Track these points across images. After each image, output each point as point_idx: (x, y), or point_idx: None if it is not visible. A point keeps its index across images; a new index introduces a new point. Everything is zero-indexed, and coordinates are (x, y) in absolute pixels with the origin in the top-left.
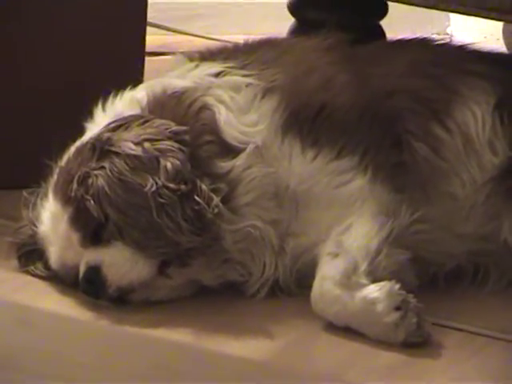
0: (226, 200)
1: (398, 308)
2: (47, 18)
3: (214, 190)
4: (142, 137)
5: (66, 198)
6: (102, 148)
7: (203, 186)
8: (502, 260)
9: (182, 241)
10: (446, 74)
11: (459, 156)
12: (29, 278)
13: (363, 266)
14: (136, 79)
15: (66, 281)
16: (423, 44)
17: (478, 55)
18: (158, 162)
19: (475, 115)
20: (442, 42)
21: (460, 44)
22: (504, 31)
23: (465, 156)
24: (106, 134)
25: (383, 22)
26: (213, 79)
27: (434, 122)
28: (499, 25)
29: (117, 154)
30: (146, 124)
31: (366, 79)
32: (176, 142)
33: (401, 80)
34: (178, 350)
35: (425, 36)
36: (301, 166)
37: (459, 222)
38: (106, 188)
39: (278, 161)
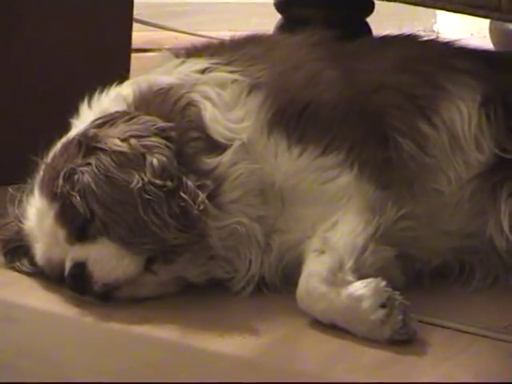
0: (211, 197)
1: (383, 305)
2: (33, 16)
3: (200, 187)
4: (128, 133)
5: (51, 195)
6: (87, 144)
7: (189, 183)
8: (487, 257)
9: (167, 237)
10: (432, 71)
11: (445, 153)
12: (15, 274)
13: (349, 263)
14: (122, 76)
15: (52, 277)
16: (409, 40)
17: (464, 52)
18: (144, 158)
19: (461, 112)
20: (429, 38)
21: (446, 41)
22: (491, 29)
23: (451, 153)
24: (92, 131)
25: (370, 19)
26: (199, 76)
27: (420, 118)
28: (486, 22)
29: (103, 150)
30: (132, 120)
31: (352, 75)
32: (162, 138)
33: (387, 76)
34: (163, 346)
35: (411, 32)
36: (287, 163)
37: (445, 218)
38: (92, 184)
39: (263, 157)
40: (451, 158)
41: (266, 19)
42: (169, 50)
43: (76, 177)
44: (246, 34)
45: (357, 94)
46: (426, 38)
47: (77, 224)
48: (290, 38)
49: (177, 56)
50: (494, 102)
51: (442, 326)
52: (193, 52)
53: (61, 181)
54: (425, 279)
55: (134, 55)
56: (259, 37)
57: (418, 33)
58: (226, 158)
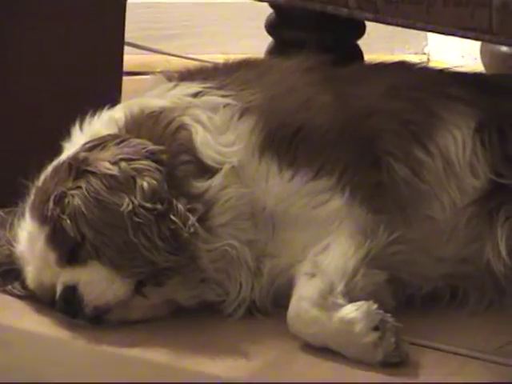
0: (202, 220)
1: (376, 328)
2: (24, 39)
3: (191, 210)
4: (119, 156)
5: (42, 218)
6: (78, 168)
7: (179, 206)
8: (482, 282)
9: (158, 260)
10: (426, 98)
11: (439, 179)
12: (6, 297)
13: (340, 287)
14: (114, 99)
15: (43, 300)
16: (403, 67)
17: (457, 79)
18: (135, 181)
19: (456, 139)
20: (422, 65)
21: (440, 68)
22: (482, 51)
23: (445, 179)
24: (83, 154)
25: (361, 42)
26: (191, 99)
27: (415, 144)
28: (477, 44)
29: (93, 173)
30: (123, 143)
31: (345, 100)
32: (153, 161)
33: (381, 102)
34: (154, 369)
35: (404, 59)
36: (278, 187)
37: (439, 244)
38: (83, 208)
39: (254, 181)
40: (446, 185)
41: (257, 42)
42: (161, 73)
43: (66, 200)
44: (239, 58)
45: (350, 118)
46: (419, 66)
47: (67, 247)
48: (283, 63)
49: (169, 79)
50: (489, 128)
51: (435, 348)
52: (185, 75)
53: (51, 204)
54: (416, 303)
55: (125, 78)
56: (252, 61)
57: (409, 57)
58: (216, 181)
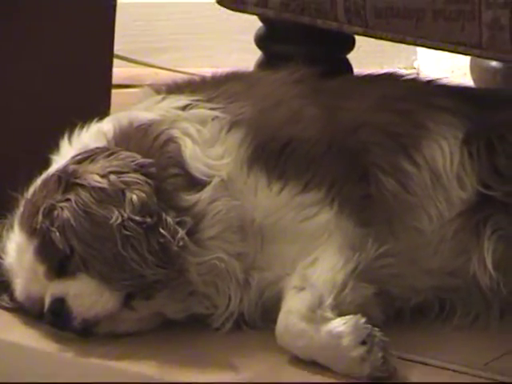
0: (191, 233)
1: (363, 342)
2: (13, 51)
3: (180, 223)
4: (108, 169)
5: (31, 230)
6: (67, 180)
7: (168, 219)
8: (469, 295)
9: (147, 273)
10: (413, 109)
11: (427, 191)
12: None
13: (329, 300)
14: (102, 111)
15: (31, 312)
16: (391, 79)
17: (445, 90)
18: (124, 194)
19: (443, 150)
20: (410, 76)
21: (428, 79)
22: (471, 66)
23: (432, 191)
24: (72, 167)
25: (350, 56)
26: (179, 112)
27: (402, 156)
28: (466, 59)
29: (82, 186)
30: (112, 156)
31: (333, 113)
32: (142, 174)
33: (368, 114)
34: (143, 382)
35: (393, 71)
36: (266, 200)
37: (426, 256)
38: (72, 220)
39: (243, 194)
40: (433, 196)
41: (246, 55)
42: (149, 86)
43: (55, 213)
44: (227, 71)
45: (338, 131)
46: (407, 77)
47: (56, 260)
48: (272, 75)
49: (158, 92)
50: (477, 140)
51: (422, 363)
52: (174, 88)
53: (40, 216)
54: (404, 316)
55: (114, 91)
56: (241, 74)
57: (398, 70)
58: (205, 194)
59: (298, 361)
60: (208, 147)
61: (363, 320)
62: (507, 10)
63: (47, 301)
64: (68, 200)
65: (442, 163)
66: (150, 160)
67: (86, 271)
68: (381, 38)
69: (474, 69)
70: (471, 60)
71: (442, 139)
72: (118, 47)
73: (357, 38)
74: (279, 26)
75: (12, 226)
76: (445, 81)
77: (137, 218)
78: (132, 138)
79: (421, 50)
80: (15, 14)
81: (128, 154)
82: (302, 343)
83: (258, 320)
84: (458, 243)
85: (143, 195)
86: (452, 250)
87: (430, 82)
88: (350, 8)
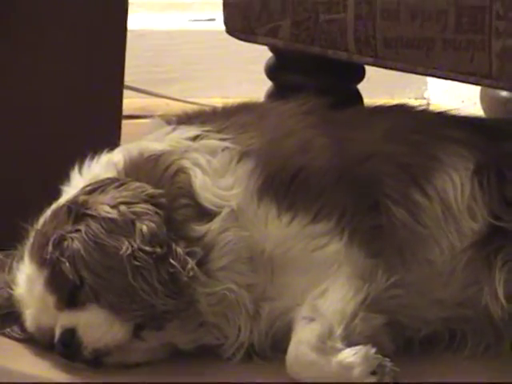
0: (201, 263)
1: (374, 372)
2: (23, 81)
3: (189, 254)
4: (118, 200)
5: (41, 261)
6: (77, 211)
7: (178, 250)
8: (480, 326)
9: (157, 304)
10: (424, 141)
11: (438, 222)
12: (5, 340)
13: (339, 331)
14: (113, 142)
15: (41, 343)
16: (401, 110)
17: (456, 121)
18: (134, 225)
19: (454, 182)
20: (421, 108)
21: (438, 111)
22: (481, 95)
23: (444, 222)
24: (82, 197)
25: (361, 86)
26: (190, 143)
27: (413, 187)
28: (477, 89)
29: (92, 217)
30: (122, 187)
31: (344, 143)
32: (152, 205)
33: (379, 145)
34: None
35: (404, 102)
36: (276, 230)
37: (437, 287)
38: (82, 251)
39: (253, 225)
40: (444, 228)
41: (257, 86)
42: (160, 116)
43: (66, 243)
44: (238, 102)
45: (348, 161)
46: (418, 109)
47: (66, 290)
48: (282, 106)
49: (168, 123)
50: (488, 170)
51: None
52: (184, 119)
53: (50, 247)
54: (414, 346)
55: (124, 122)
56: (251, 104)
57: (409, 101)
58: (215, 225)
59: None
60: (218, 178)
61: (373, 350)
62: None
63: (57, 331)
64: (78, 231)
65: (453, 195)
66: (160, 190)
67: (96, 302)
68: (391, 68)
69: (484, 98)
70: (481, 90)
71: (453, 171)
72: (129, 78)
73: (367, 67)
74: (289, 56)
75: (22, 257)
76: (455, 112)
77: (147, 248)
78: (142, 168)
79: (431, 80)
80: (24, 43)
81: (138, 184)
82: (313, 374)
83: (268, 350)
84: (470, 274)
85: (153, 225)
86: (463, 281)
87: (441, 113)
88: (360, 38)
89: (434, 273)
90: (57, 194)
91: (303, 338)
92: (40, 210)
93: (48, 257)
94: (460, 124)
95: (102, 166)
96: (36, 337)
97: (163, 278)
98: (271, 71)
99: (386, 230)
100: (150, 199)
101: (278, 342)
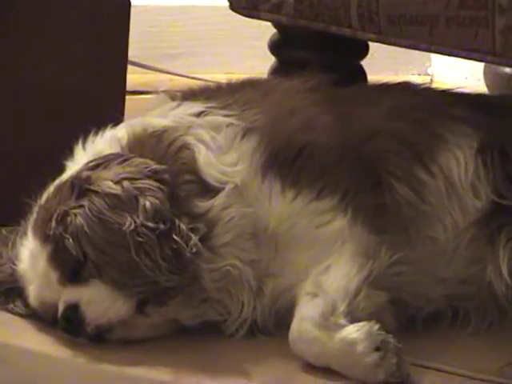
0: (204, 239)
1: (377, 348)
2: (28, 57)
3: (193, 230)
4: (121, 176)
5: (44, 237)
6: (81, 187)
7: (182, 226)
8: (483, 303)
9: (160, 280)
10: (429, 119)
11: (442, 200)
12: (8, 315)
13: (342, 307)
14: (117, 118)
15: (45, 318)
16: (406, 88)
17: (460, 99)
18: (137, 200)
19: (458, 159)
20: (425, 86)
21: (442, 89)
22: (485, 72)
23: (447, 200)
24: (85, 173)
25: (364, 62)
26: (194, 119)
27: (417, 164)
28: (480, 65)
29: (96, 192)
30: (126, 163)
31: (348, 120)
32: (155, 180)
33: (383, 122)
34: None
35: (408, 80)
36: (280, 207)
37: (441, 265)
38: (85, 227)
39: (257, 201)
40: (448, 205)
41: (260, 62)
42: (164, 92)
43: (69, 219)
44: (242, 78)
45: (352, 139)
46: (422, 87)
47: (69, 266)
48: (286, 83)
49: (172, 99)
50: (491, 148)
51: (436, 369)
52: (189, 95)
53: (54, 223)
54: (418, 323)
55: (128, 97)
56: (255, 81)
57: (412, 78)
58: (218, 201)
59: (312, 367)
60: (222, 154)
61: (376, 327)
62: None
63: (60, 307)
64: (81, 206)
65: (457, 173)
66: (163, 166)
67: (100, 277)
68: (394, 45)
69: (487, 75)
70: (485, 66)
71: (458, 149)
72: (133, 53)
73: (370, 44)
74: (293, 32)
75: (25, 233)
76: (459, 89)
77: (150, 224)
78: (146, 144)
79: (435, 56)
80: (28, 20)
81: (142, 160)
82: (316, 350)
83: (272, 327)
84: (473, 252)
85: (156, 201)
86: (467, 259)
87: (445, 92)
88: (364, 14)
89: (438, 250)
90: (60, 169)
91: (306, 315)
92: (43, 186)
93: (51, 232)
94: (464, 102)
95: (105, 142)
96: (39, 312)
97: (166, 253)
98: (275, 47)
99: (390, 207)
100: (154, 175)
101: (281, 319)
